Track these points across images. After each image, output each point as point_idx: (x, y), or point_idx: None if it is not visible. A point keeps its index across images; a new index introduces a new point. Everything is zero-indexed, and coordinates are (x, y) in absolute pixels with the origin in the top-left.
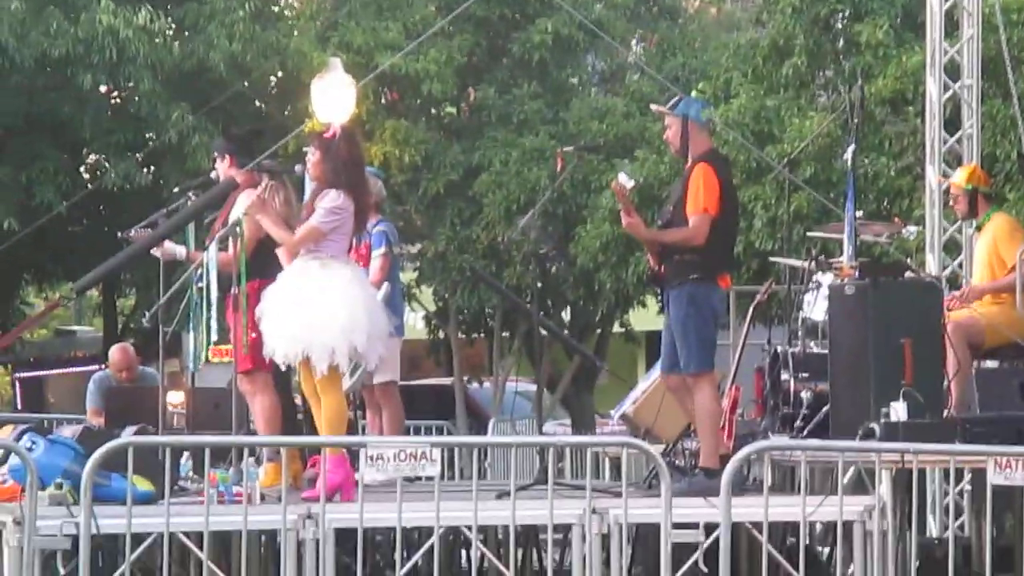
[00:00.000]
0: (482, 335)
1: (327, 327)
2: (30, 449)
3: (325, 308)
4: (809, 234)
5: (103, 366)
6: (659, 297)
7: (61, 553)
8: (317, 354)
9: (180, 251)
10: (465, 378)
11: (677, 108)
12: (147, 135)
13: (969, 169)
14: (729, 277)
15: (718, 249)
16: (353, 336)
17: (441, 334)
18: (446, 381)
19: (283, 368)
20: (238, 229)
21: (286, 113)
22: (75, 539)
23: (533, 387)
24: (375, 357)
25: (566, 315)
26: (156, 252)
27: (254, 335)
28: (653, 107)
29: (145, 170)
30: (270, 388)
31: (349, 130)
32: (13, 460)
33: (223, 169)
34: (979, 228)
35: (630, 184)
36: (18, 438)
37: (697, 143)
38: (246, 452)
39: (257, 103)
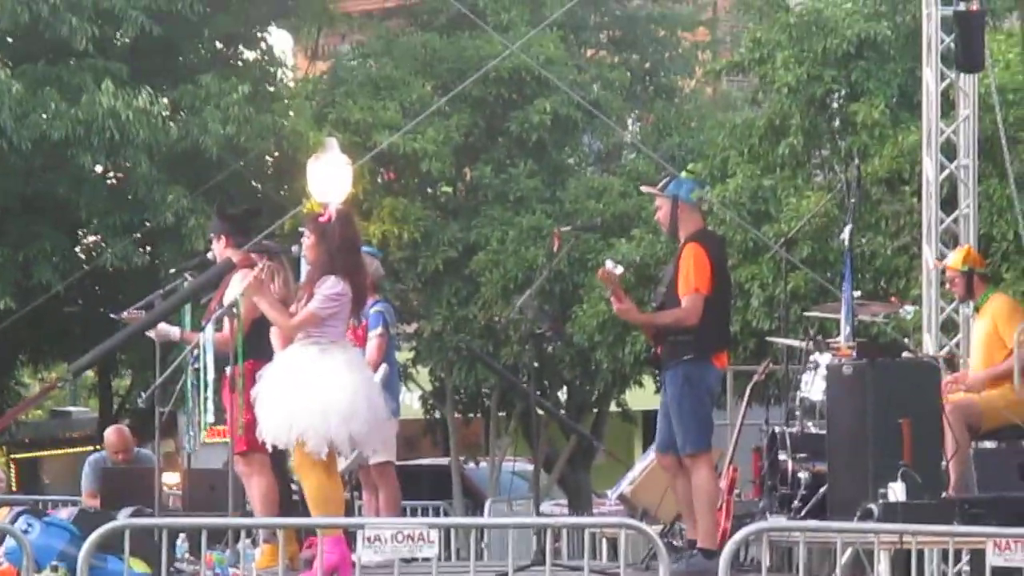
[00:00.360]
0: (479, 415)
1: (326, 413)
2: (26, 531)
3: (323, 395)
4: (806, 314)
5: (98, 447)
6: (656, 377)
7: None
8: (314, 441)
9: (174, 332)
10: (462, 458)
11: (667, 189)
12: (144, 216)
13: (964, 251)
14: (726, 356)
15: (712, 328)
16: (351, 424)
17: (437, 414)
18: (443, 461)
19: (278, 450)
20: (235, 310)
21: (283, 192)
22: None
23: (530, 467)
24: (374, 443)
25: (563, 395)
26: (150, 333)
27: (250, 416)
28: (643, 188)
29: (142, 250)
30: (267, 469)
31: (345, 213)
32: (9, 543)
33: (219, 249)
34: (977, 309)
35: (618, 271)
36: (13, 520)
37: (687, 223)
38: (243, 534)
39: (253, 183)
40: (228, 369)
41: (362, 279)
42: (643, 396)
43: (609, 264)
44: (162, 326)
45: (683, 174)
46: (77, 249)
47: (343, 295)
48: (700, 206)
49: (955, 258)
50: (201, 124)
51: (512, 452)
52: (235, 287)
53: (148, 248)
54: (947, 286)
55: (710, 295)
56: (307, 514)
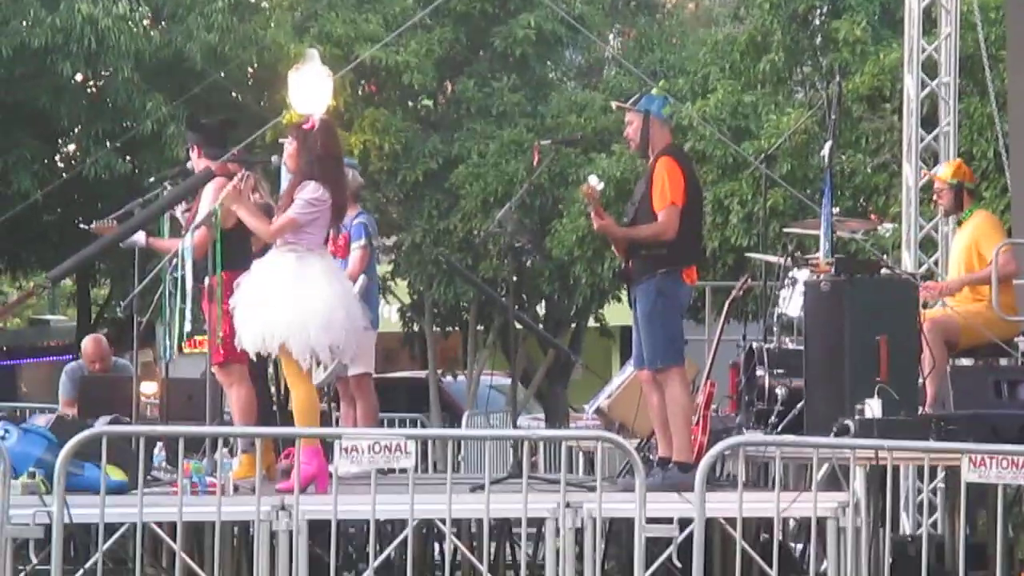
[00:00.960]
0: (457, 328)
1: (305, 323)
2: (3, 438)
3: (302, 303)
4: (785, 230)
5: (76, 356)
6: (628, 294)
7: (33, 542)
8: (297, 349)
9: (140, 237)
10: (439, 372)
11: (639, 104)
12: (124, 125)
13: (954, 164)
14: (695, 271)
15: (685, 242)
16: (331, 332)
17: (416, 327)
18: (420, 374)
19: (256, 359)
20: (213, 219)
21: (263, 104)
22: (48, 528)
23: (507, 381)
24: (351, 352)
25: (541, 309)
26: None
27: (227, 327)
28: (615, 105)
29: (123, 159)
30: (245, 379)
31: (328, 123)
32: None
33: (195, 160)
34: (959, 223)
35: (600, 187)
36: None
37: (658, 139)
38: (220, 443)
39: (234, 94)
40: (206, 279)
41: (342, 188)
42: (621, 311)
43: (592, 180)
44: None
45: (654, 91)
46: (57, 158)
47: (323, 201)
48: (670, 123)
49: (945, 170)
50: (186, 32)
51: (490, 366)
52: (208, 197)
53: (128, 157)
54: (934, 198)
55: (683, 208)
56: (286, 425)
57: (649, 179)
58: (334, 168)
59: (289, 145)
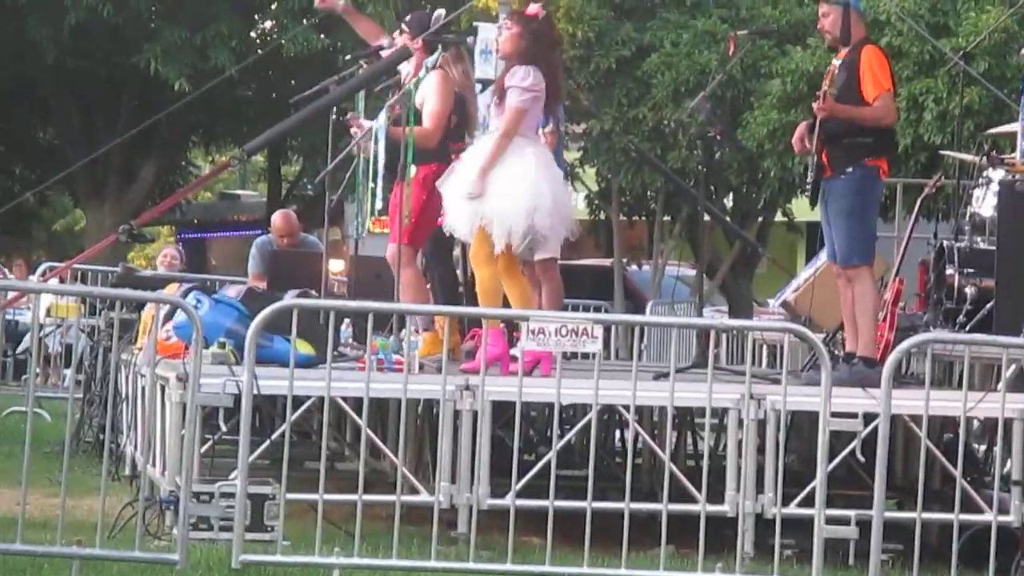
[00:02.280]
0: (643, 217)
1: (512, 208)
2: (196, 307)
3: (512, 188)
4: (981, 130)
5: (266, 231)
6: (813, 189)
7: (223, 411)
8: (497, 231)
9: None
10: (625, 260)
11: None
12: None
13: None
14: (889, 165)
15: (889, 132)
16: (535, 217)
17: (603, 215)
18: (605, 262)
19: (442, 242)
20: (409, 100)
21: None
22: (236, 398)
23: (692, 272)
24: (557, 238)
25: (728, 201)
26: (354, 131)
27: (415, 215)
28: None
29: (320, 36)
30: (412, 263)
31: (549, 13)
32: (179, 317)
33: (403, 40)
34: None
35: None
36: (183, 296)
37: (857, 30)
38: (408, 320)
39: None
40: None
41: (559, 76)
42: (809, 206)
43: (837, 62)
44: (367, 123)
45: None
46: (253, 34)
47: (537, 86)
48: (865, 16)
49: None
50: None
51: (675, 256)
52: (433, 87)
53: (324, 35)
54: None
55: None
56: (472, 305)
57: (855, 69)
58: (553, 56)
59: (507, 28)
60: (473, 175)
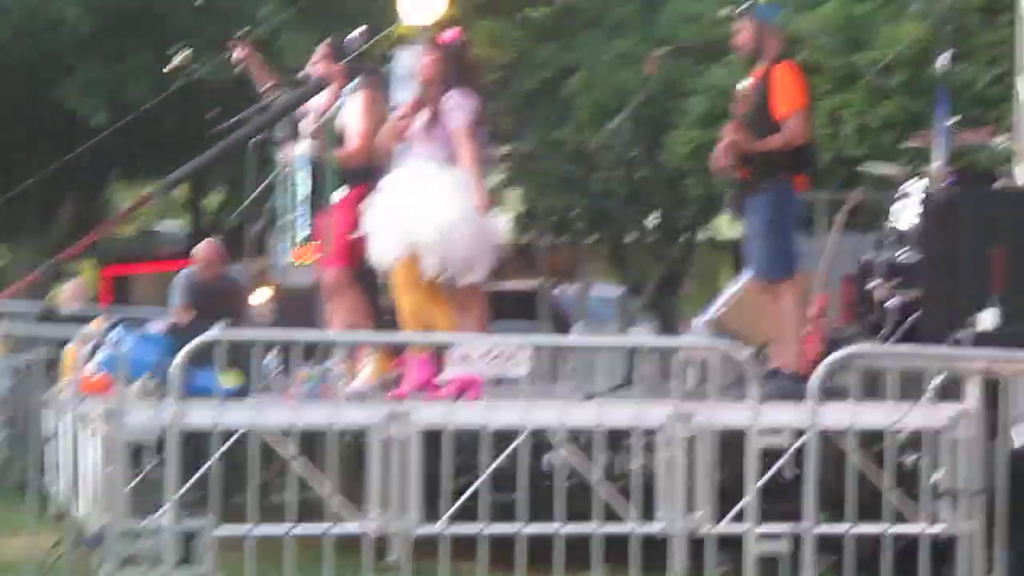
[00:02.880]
0: (569, 239)
1: (441, 231)
2: (119, 343)
3: (439, 211)
4: (900, 142)
5: (190, 263)
6: (738, 204)
7: (149, 447)
8: (428, 258)
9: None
10: (550, 282)
11: (753, 11)
12: (238, 31)
13: None
14: (807, 179)
15: (805, 147)
16: (462, 242)
17: (528, 237)
18: (531, 284)
19: (369, 269)
20: (329, 126)
21: (376, 15)
22: (163, 433)
23: (618, 292)
24: (483, 265)
25: (653, 221)
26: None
27: (351, 236)
28: (728, 9)
29: (237, 67)
30: (354, 285)
31: (466, 40)
32: (102, 353)
33: (322, 67)
34: None
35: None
36: (107, 332)
37: (771, 46)
38: (334, 349)
39: (345, 6)
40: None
41: (482, 101)
42: (733, 223)
43: (748, 84)
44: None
45: None
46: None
47: (475, 107)
48: (780, 32)
49: None
50: None
51: (601, 277)
52: (358, 109)
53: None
54: None
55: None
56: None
57: (767, 85)
58: (480, 80)
59: (427, 55)
60: (468, 201)
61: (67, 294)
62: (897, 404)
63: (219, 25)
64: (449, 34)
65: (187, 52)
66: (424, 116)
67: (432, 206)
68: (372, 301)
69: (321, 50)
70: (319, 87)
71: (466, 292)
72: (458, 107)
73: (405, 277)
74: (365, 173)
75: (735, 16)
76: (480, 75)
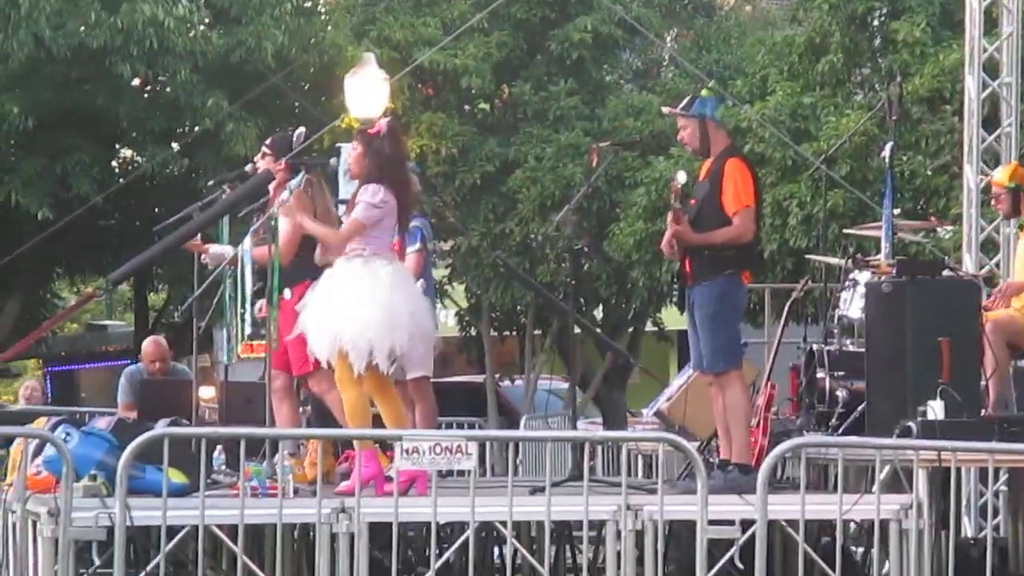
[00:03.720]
0: (514, 332)
1: (367, 327)
2: (65, 440)
3: (366, 307)
4: (846, 231)
5: (135, 360)
6: (680, 297)
7: (96, 544)
8: (354, 353)
9: (228, 251)
10: (497, 376)
11: (692, 108)
12: (183, 124)
13: (1011, 167)
14: (751, 273)
15: (751, 244)
16: (393, 336)
17: (473, 331)
18: (478, 379)
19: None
20: (272, 223)
21: (320, 107)
22: (110, 531)
23: (565, 385)
24: (418, 356)
25: (598, 313)
26: (204, 259)
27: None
28: (666, 110)
29: (182, 159)
30: (289, 393)
31: (394, 126)
32: (48, 451)
33: (265, 164)
34: (1021, 227)
35: (683, 180)
36: (52, 429)
37: (716, 140)
38: (280, 445)
39: (292, 99)
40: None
41: (408, 193)
42: (679, 315)
43: (680, 176)
44: (215, 248)
45: (704, 92)
46: (114, 163)
47: (387, 203)
48: (725, 124)
49: (1002, 174)
50: (256, 33)
51: (547, 370)
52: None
53: (187, 159)
54: (992, 202)
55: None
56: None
57: (717, 181)
58: (400, 173)
59: (353, 149)
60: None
61: (22, 394)
62: (846, 495)
63: (163, 118)
64: (375, 127)
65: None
66: (349, 209)
67: (355, 300)
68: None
69: (264, 147)
70: (263, 183)
71: (414, 385)
72: (367, 199)
73: (341, 373)
74: (300, 273)
75: (673, 115)
76: (403, 167)
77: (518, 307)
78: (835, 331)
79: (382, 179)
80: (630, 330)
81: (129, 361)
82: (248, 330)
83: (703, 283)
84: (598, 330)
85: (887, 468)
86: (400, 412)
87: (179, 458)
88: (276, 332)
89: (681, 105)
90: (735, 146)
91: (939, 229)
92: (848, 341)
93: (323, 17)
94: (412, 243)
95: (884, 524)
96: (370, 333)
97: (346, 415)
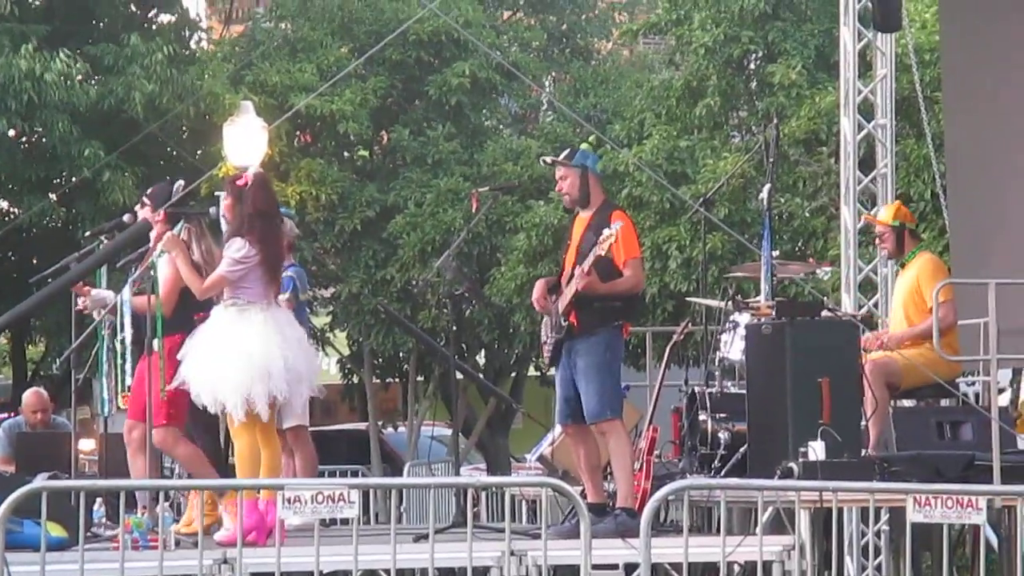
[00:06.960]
0: (397, 379)
1: (242, 374)
2: None
3: (241, 356)
4: (725, 275)
5: (13, 413)
6: (554, 351)
7: None
8: (232, 401)
9: (110, 296)
10: (380, 423)
11: (574, 159)
12: (60, 173)
13: (895, 207)
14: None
15: (639, 297)
16: (271, 383)
17: (355, 378)
18: (361, 426)
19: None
20: (152, 273)
21: (198, 155)
22: None
23: (448, 431)
24: (300, 401)
25: (481, 358)
26: (84, 302)
27: (172, 387)
28: (548, 159)
29: (59, 208)
30: (183, 439)
31: (261, 178)
32: None
33: (144, 214)
34: (903, 265)
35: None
36: None
37: (596, 193)
38: (161, 497)
39: (169, 148)
40: (155, 343)
41: (275, 243)
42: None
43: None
44: (96, 292)
45: (583, 146)
46: None
47: (250, 258)
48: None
49: (886, 213)
50: (126, 83)
51: (430, 416)
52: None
53: (64, 208)
54: (876, 242)
55: None
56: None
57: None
58: (267, 224)
59: (225, 199)
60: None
61: None
62: (730, 537)
63: (41, 168)
64: (241, 179)
65: None
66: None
67: (228, 350)
68: (205, 445)
69: (144, 197)
70: (142, 233)
71: (292, 434)
72: (231, 254)
73: (230, 422)
74: (179, 323)
75: (555, 164)
76: (271, 216)
77: (400, 353)
78: (716, 373)
79: (247, 232)
80: (513, 375)
81: (7, 415)
82: (128, 380)
83: (591, 335)
84: (480, 375)
85: (770, 509)
86: (277, 461)
87: (58, 512)
88: (152, 382)
89: (564, 155)
90: (614, 199)
91: (817, 270)
92: (729, 383)
93: (201, 65)
94: (283, 291)
95: (767, 566)
96: (246, 381)
97: (237, 462)
